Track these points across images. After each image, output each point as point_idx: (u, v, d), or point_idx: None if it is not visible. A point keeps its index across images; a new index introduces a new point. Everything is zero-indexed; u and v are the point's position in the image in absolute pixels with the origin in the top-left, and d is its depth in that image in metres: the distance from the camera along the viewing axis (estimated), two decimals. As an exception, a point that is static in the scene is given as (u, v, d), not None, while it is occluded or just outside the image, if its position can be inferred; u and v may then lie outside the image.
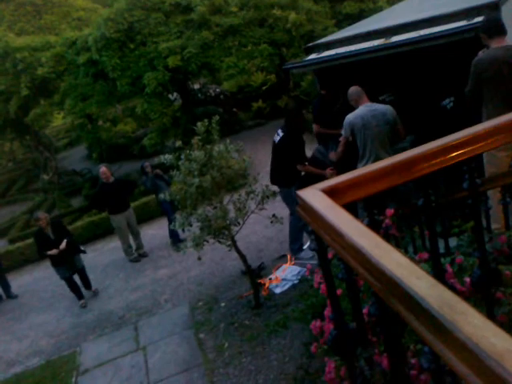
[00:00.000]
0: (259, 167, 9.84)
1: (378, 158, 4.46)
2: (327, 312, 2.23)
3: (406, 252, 3.32)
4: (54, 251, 6.53)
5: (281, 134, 5.68)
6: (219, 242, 4.98)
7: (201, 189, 4.67)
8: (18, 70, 13.42)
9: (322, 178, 4.74)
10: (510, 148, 3.49)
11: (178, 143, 5.05)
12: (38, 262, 9.27)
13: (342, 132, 4.84)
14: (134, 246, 8.25)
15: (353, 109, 4.79)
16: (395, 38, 4.81)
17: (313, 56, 5.77)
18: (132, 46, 12.66)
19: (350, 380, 1.76)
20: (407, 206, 3.59)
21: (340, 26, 13.11)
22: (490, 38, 3.55)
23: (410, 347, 1.89)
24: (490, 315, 1.76)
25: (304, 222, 1.29)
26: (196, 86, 18.25)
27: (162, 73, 12.32)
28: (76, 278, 7.05)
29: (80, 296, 6.96)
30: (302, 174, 5.66)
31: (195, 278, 6.76)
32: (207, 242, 4.81)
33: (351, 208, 1.07)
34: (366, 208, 1.38)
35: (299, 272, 5.67)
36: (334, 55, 5.35)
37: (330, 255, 1.47)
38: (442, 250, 2.43)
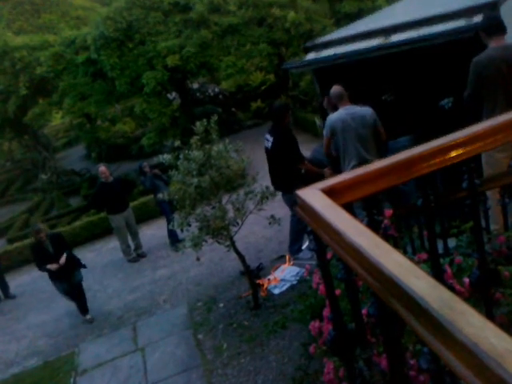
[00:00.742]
0: (258, 167, 9.81)
1: (363, 160, 4.53)
2: (326, 312, 2.23)
3: (404, 253, 3.32)
4: (54, 266, 6.07)
5: (270, 138, 5.51)
6: (218, 242, 4.97)
7: (199, 189, 4.67)
8: (16, 70, 13.40)
9: (321, 177, 4.74)
10: (508, 149, 3.48)
11: (177, 143, 5.03)
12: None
13: (324, 132, 4.93)
14: (132, 246, 8.24)
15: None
16: (394, 38, 4.81)
17: (312, 55, 5.76)
18: (131, 45, 12.64)
19: (349, 381, 1.76)
20: (405, 207, 3.59)
21: (339, 25, 13.08)
22: (490, 37, 3.55)
23: (409, 348, 1.88)
24: (489, 316, 1.75)
25: (305, 224, 1.29)
26: (195, 86, 18.24)
27: (161, 72, 12.31)
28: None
29: (84, 309, 6.47)
30: (302, 171, 5.60)
31: (194, 279, 6.75)
32: (206, 242, 4.80)
33: (350, 208, 1.07)
34: (365, 208, 1.38)
35: (298, 273, 5.66)
36: (333, 55, 5.35)
37: (328, 255, 1.46)
38: (440, 251, 2.43)
